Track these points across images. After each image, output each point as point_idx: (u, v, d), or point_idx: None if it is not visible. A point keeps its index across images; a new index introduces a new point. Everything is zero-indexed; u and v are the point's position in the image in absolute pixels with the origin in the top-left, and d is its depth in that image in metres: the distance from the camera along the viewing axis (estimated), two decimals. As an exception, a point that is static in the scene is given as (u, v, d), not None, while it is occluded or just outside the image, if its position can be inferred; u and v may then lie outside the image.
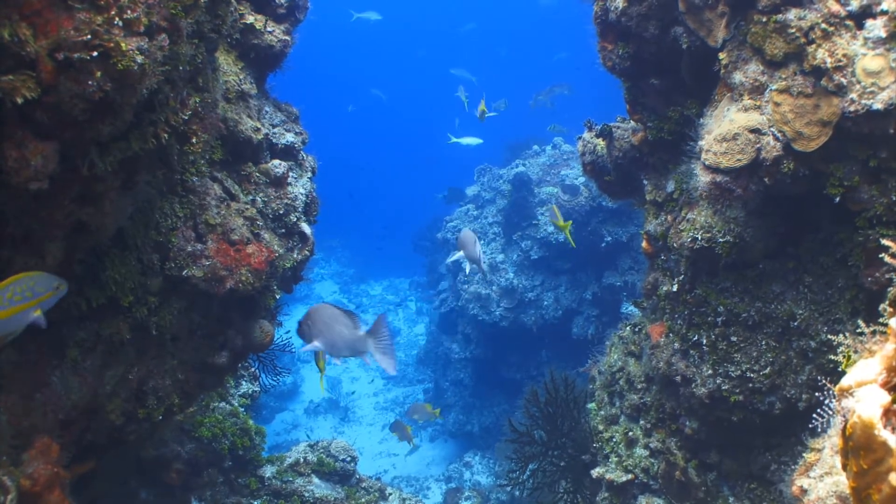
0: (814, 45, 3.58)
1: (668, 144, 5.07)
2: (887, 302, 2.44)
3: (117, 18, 2.40)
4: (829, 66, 3.53)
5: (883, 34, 3.39)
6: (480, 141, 10.04)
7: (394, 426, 10.40)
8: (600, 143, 5.85)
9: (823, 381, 2.59)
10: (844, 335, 2.47)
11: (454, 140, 9.67)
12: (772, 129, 3.76)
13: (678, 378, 4.87)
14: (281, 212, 5.05)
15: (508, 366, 13.01)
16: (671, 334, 4.96)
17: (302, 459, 7.06)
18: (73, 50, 2.31)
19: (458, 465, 12.96)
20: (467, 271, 13.13)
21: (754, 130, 3.77)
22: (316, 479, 7.01)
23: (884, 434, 1.83)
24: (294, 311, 15.72)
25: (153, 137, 3.00)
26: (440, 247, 15.44)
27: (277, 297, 5.17)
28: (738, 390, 4.50)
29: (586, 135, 5.98)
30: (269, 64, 5.33)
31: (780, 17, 3.67)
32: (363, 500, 7.10)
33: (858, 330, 2.37)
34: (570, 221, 7.62)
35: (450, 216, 15.12)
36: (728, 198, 3.97)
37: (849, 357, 2.40)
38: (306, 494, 6.74)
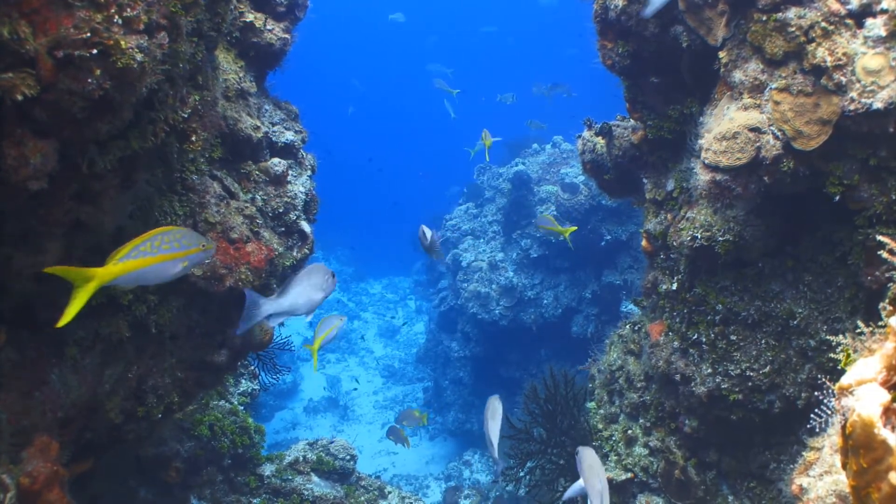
0: (814, 44, 3.58)
1: (667, 143, 5.07)
2: (887, 300, 2.44)
3: (117, 16, 2.39)
4: (829, 64, 3.53)
5: (883, 33, 3.39)
6: (498, 139, 9.90)
7: (390, 432, 10.44)
8: (600, 141, 5.84)
9: (823, 380, 2.59)
10: (844, 334, 2.47)
11: (487, 154, 9.52)
12: (772, 127, 3.76)
13: (677, 377, 4.87)
14: (280, 210, 5.05)
15: (508, 364, 13.01)
16: (670, 333, 4.96)
17: (301, 458, 7.05)
18: (72, 48, 2.31)
19: (457, 463, 12.96)
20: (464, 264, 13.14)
21: (754, 129, 3.77)
22: (315, 478, 7.01)
23: (884, 433, 1.83)
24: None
25: (152, 136, 3.00)
26: (440, 246, 15.44)
27: (277, 295, 5.17)
28: (737, 389, 4.50)
29: (586, 133, 5.98)
30: (268, 62, 5.33)
31: (780, 15, 3.67)
32: (362, 498, 7.10)
33: (858, 329, 2.37)
34: (568, 226, 7.62)
35: (449, 214, 15.12)
36: (728, 196, 3.97)
37: (848, 356, 2.40)
38: (306, 493, 6.74)
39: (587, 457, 4.03)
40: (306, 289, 3.74)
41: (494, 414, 4.65)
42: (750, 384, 4.46)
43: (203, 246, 3.06)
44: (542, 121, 14.57)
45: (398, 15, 20.91)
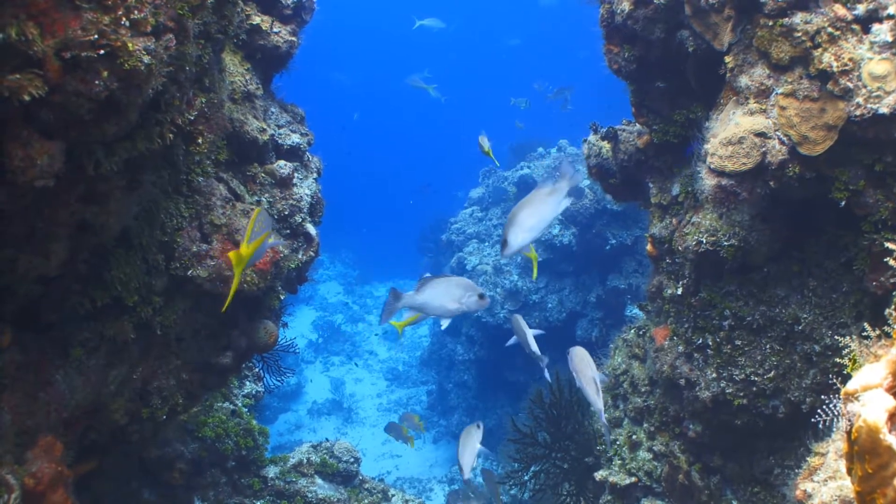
0: (820, 49, 3.58)
1: (673, 147, 5.06)
2: (893, 306, 2.43)
3: (124, 18, 2.40)
4: (835, 70, 3.53)
5: (889, 38, 3.38)
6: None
7: (390, 428, 10.41)
8: (605, 145, 5.84)
9: (834, 381, 2.59)
10: (850, 338, 2.46)
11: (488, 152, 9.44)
12: (777, 132, 3.76)
13: (682, 381, 4.86)
14: (286, 213, 5.05)
15: (512, 368, 12.98)
16: (675, 337, 4.96)
17: (305, 460, 7.06)
18: (79, 49, 2.31)
19: (461, 467, 12.94)
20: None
21: (760, 134, 3.77)
22: (319, 480, 7.01)
23: (889, 439, 1.83)
24: (298, 313, 15.74)
25: (159, 137, 3.01)
26: (444, 248, 15.44)
27: (282, 297, 5.18)
28: (741, 394, 4.50)
29: (592, 137, 5.98)
30: (274, 65, 5.34)
31: (786, 21, 3.67)
32: (366, 501, 7.10)
33: (864, 333, 2.37)
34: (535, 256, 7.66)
35: (454, 217, 15.13)
36: (733, 201, 3.96)
37: (854, 361, 2.40)
38: (309, 495, 6.74)
39: (578, 353, 4.24)
40: (442, 295, 3.78)
41: (523, 324, 4.76)
42: (754, 389, 4.45)
43: (272, 227, 3.67)
44: (552, 123, 14.59)
45: (431, 20, 20.52)
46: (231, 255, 3.45)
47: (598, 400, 4.26)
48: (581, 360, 4.32)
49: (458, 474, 12.76)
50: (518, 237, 3.41)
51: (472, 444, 4.83)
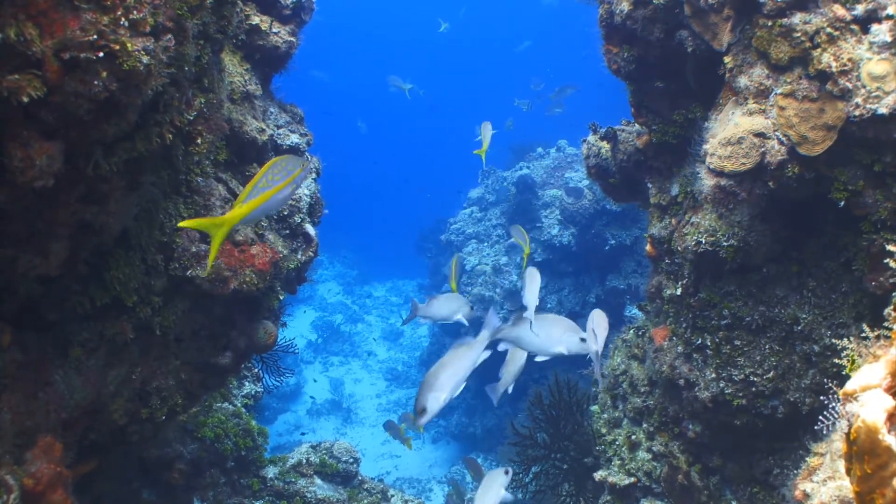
0: (819, 50, 3.58)
1: (672, 148, 5.07)
2: (892, 307, 2.44)
3: (123, 19, 2.40)
4: (834, 70, 3.53)
5: (888, 38, 3.38)
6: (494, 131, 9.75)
7: (388, 426, 10.42)
8: (605, 146, 5.84)
9: (830, 385, 2.59)
10: (849, 339, 2.46)
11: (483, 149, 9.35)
12: (776, 133, 3.76)
13: (681, 381, 4.86)
14: (285, 213, 5.05)
15: (511, 368, 12.95)
16: (675, 338, 4.96)
17: (304, 460, 7.06)
18: (79, 50, 2.31)
19: (460, 467, 12.95)
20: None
21: (759, 134, 3.77)
22: (318, 481, 7.01)
23: (888, 439, 1.83)
24: (297, 313, 15.73)
25: (158, 138, 3.00)
26: (444, 249, 15.44)
27: (281, 298, 5.17)
28: (741, 394, 4.50)
29: (591, 138, 5.98)
30: (274, 65, 5.34)
31: (785, 21, 3.67)
32: (365, 501, 7.10)
33: (863, 334, 2.37)
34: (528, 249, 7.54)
35: (453, 218, 15.14)
36: (732, 201, 3.96)
37: (853, 361, 2.40)
38: (309, 496, 6.74)
39: (593, 313, 4.16)
40: (543, 334, 3.79)
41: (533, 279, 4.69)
42: (754, 389, 4.45)
43: (302, 165, 3.36)
44: (552, 124, 14.64)
45: (444, 25, 20.44)
46: (184, 223, 3.15)
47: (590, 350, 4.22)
48: (591, 320, 4.28)
49: (457, 474, 12.77)
50: (439, 401, 3.29)
51: (517, 361, 4.70)
